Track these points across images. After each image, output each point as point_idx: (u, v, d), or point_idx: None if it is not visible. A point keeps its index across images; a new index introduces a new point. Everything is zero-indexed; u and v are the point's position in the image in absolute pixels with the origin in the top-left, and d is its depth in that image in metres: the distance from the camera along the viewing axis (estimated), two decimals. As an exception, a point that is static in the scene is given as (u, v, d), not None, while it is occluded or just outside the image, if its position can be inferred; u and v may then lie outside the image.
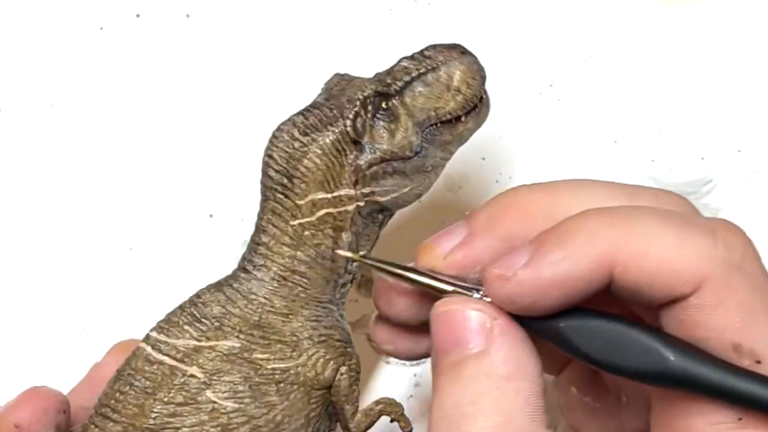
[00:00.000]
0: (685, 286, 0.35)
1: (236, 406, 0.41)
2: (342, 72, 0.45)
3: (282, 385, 0.42)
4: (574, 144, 0.56)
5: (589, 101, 0.57)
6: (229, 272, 0.55)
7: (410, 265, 0.40)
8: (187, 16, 0.58)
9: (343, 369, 0.43)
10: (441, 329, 0.38)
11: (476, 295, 0.38)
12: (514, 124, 0.57)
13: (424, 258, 0.40)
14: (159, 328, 0.42)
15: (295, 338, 0.42)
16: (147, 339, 0.42)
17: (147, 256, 0.55)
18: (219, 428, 0.41)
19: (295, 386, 0.42)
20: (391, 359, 0.55)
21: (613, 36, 0.58)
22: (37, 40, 0.58)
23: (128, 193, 0.56)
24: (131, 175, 0.56)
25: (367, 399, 0.54)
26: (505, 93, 0.57)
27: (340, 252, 0.43)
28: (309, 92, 0.57)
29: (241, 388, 0.41)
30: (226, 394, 0.41)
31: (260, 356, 0.42)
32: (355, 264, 0.44)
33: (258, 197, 0.56)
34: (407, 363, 0.54)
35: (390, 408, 0.43)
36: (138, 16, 0.58)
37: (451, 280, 0.39)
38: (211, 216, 0.56)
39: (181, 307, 0.43)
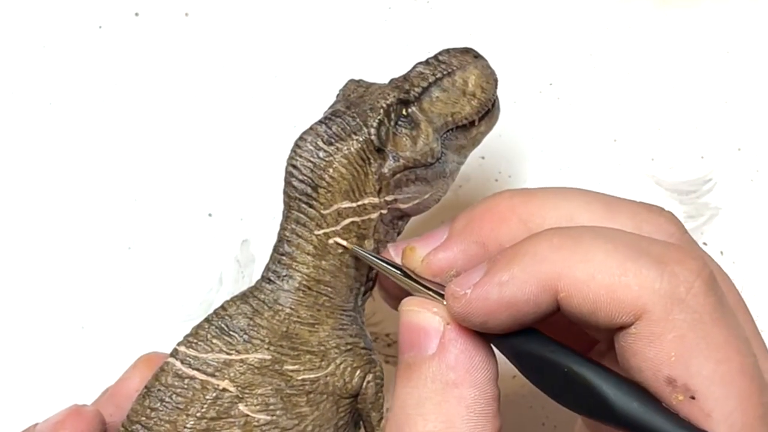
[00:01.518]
0: (625, 316, 0.35)
1: (269, 418, 0.41)
2: (353, 78, 0.46)
3: (312, 395, 0.42)
4: (574, 143, 0.56)
5: (588, 100, 0.57)
6: (227, 271, 0.55)
7: (394, 262, 0.42)
8: (186, 14, 0.58)
9: (369, 377, 0.43)
10: (402, 329, 0.39)
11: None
12: (514, 122, 0.57)
13: (406, 259, 0.41)
14: (187, 342, 0.42)
15: (322, 348, 0.43)
16: (175, 354, 0.42)
17: (146, 255, 0.55)
18: None
19: (324, 396, 0.42)
20: (391, 359, 0.54)
21: (612, 35, 0.58)
22: (36, 38, 0.58)
23: (127, 192, 0.56)
24: (130, 175, 0.56)
25: (367, 398, 0.54)
26: (505, 91, 0.57)
27: (338, 240, 0.43)
28: (308, 92, 0.57)
29: (272, 400, 0.41)
30: (258, 407, 0.41)
31: (290, 368, 0.42)
32: (374, 271, 0.44)
33: (257, 197, 0.56)
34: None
35: None
36: (137, 14, 0.58)
37: (428, 283, 0.40)
38: (210, 215, 0.56)
39: (208, 320, 0.42)
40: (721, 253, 0.55)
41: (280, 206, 0.57)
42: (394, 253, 0.43)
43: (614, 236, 0.36)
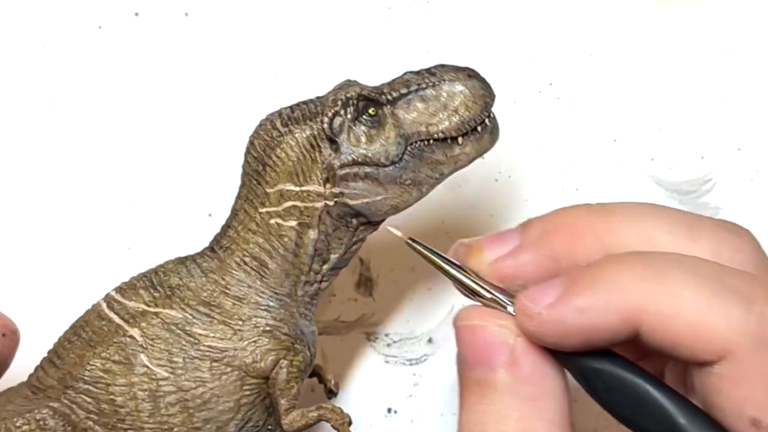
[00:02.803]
0: (709, 354, 0.35)
1: (167, 374, 0.43)
2: (353, 78, 0.45)
3: (216, 364, 0.43)
4: (574, 142, 0.56)
5: (588, 100, 0.57)
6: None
7: (452, 259, 0.40)
8: (186, 14, 0.58)
9: (284, 363, 0.43)
10: (465, 344, 0.38)
11: (511, 308, 0.38)
12: (514, 122, 0.57)
13: (471, 259, 0.40)
14: (119, 288, 0.44)
15: (240, 322, 0.43)
16: (105, 296, 0.44)
17: (146, 255, 0.55)
18: (147, 393, 0.42)
19: (230, 369, 0.43)
20: (390, 359, 0.55)
21: (612, 35, 0.58)
22: (36, 38, 0.58)
23: (127, 192, 0.56)
24: (130, 175, 0.56)
25: (366, 397, 0.54)
26: (505, 91, 0.57)
27: (390, 228, 0.43)
28: (308, 91, 0.57)
29: (175, 358, 0.43)
30: (159, 361, 0.43)
31: (200, 331, 0.43)
32: (325, 267, 0.44)
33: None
34: (407, 363, 0.54)
35: (331, 415, 0.43)
36: (137, 14, 0.58)
37: (490, 287, 0.39)
38: (210, 215, 0.56)
39: (146, 273, 0.45)
40: (721, 253, 0.55)
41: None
42: (453, 250, 0.41)
43: (699, 269, 0.35)
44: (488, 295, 0.38)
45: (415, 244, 0.41)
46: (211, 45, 0.58)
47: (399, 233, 0.42)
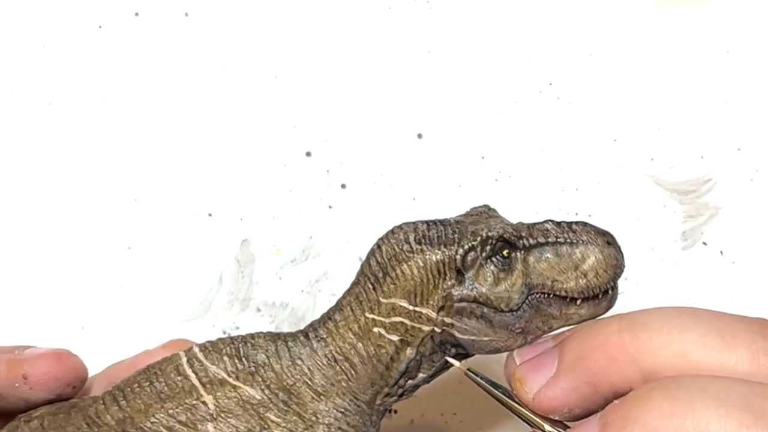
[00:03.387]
0: None
1: None
2: (490, 205, 0.45)
3: None
4: (574, 142, 0.56)
5: (588, 100, 0.57)
6: (226, 271, 0.55)
7: (508, 389, 0.41)
8: (186, 14, 0.58)
9: None
10: None
11: None
12: (514, 122, 0.57)
13: (517, 391, 0.41)
14: (203, 346, 0.43)
15: (314, 418, 0.42)
16: (188, 350, 0.43)
17: (146, 255, 0.55)
18: None
19: None
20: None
21: (612, 35, 0.58)
22: (36, 38, 0.58)
23: (127, 192, 0.56)
24: (130, 174, 0.56)
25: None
26: (505, 91, 0.57)
27: (450, 360, 0.43)
28: (309, 92, 0.57)
29: None
30: None
31: (273, 418, 0.42)
32: (409, 383, 0.44)
33: (257, 197, 0.56)
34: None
35: None
36: (137, 14, 0.58)
37: (543, 420, 0.40)
38: (210, 215, 0.56)
39: (233, 339, 0.43)
40: (721, 253, 0.55)
41: (280, 206, 0.57)
42: (509, 363, 0.42)
43: (727, 397, 0.35)
44: (547, 427, 0.40)
45: (471, 375, 0.42)
46: (211, 45, 0.58)
47: (458, 364, 0.42)
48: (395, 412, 0.54)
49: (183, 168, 0.56)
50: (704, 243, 0.55)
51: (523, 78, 0.57)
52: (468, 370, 0.42)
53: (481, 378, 0.42)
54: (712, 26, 0.57)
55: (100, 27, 0.58)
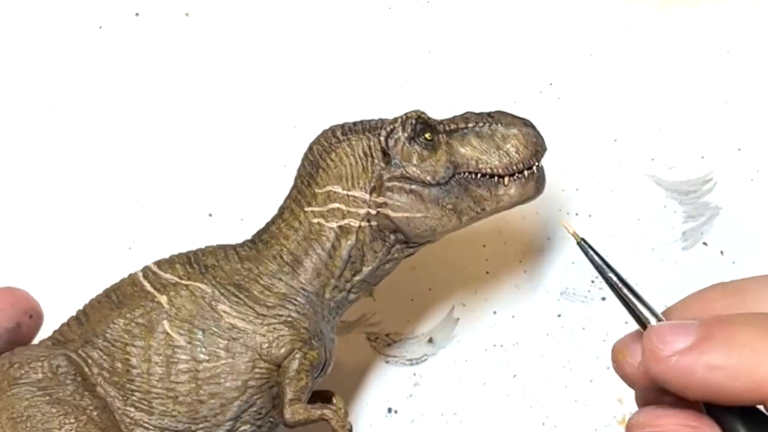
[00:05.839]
0: None
1: (184, 343, 0.44)
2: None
3: (233, 342, 0.44)
4: (574, 143, 0.56)
5: (588, 100, 0.57)
6: (228, 271, 0.55)
7: (618, 272, 0.40)
8: (187, 15, 0.58)
9: (298, 354, 0.44)
10: None
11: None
12: (514, 122, 0.57)
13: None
14: (158, 261, 0.47)
15: (264, 309, 0.45)
16: (143, 267, 0.47)
17: (146, 255, 0.55)
18: (162, 357, 0.44)
19: (245, 348, 0.44)
20: (391, 359, 0.55)
21: (612, 35, 0.57)
22: (37, 39, 0.58)
23: (127, 192, 0.56)
24: (130, 175, 0.56)
25: (367, 397, 0.54)
26: (505, 91, 0.57)
27: (564, 223, 0.43)
28: (309, 92, 0.57)
29: (196, 329, 0.44)
30: (180, 330, 0.44)
31: (224, 308, 0.45)
32: (356, 277, 0.46)
33: (257, 196, 0.56)
34: (407, 363, 0.54)
35: (333, 416, 0.44)
36: (137, 15, 0.58)
37: (643, 307, 0.39)
38: (210, 215, 0.56)
39: (186, 252, 0.47)
40: (721, 253, 0.55)
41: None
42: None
43: None
44: (653, 321, 0.38)
45: (584, 245, 0.41)
46: (212, 45, 0.58)
47: (571, 230, 0.42)
48: (395, 412, 0.54)
49: (183, 168, 0.56)
50: (704, 243, 0.55)
51: (523, 78, 0.57)
52: (582, 239, 0.41)
53: (593, 252, 0.40)
54: (712, 26, 0.57)
55: (100, 27, 0.58)
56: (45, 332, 0.47)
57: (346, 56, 0.57)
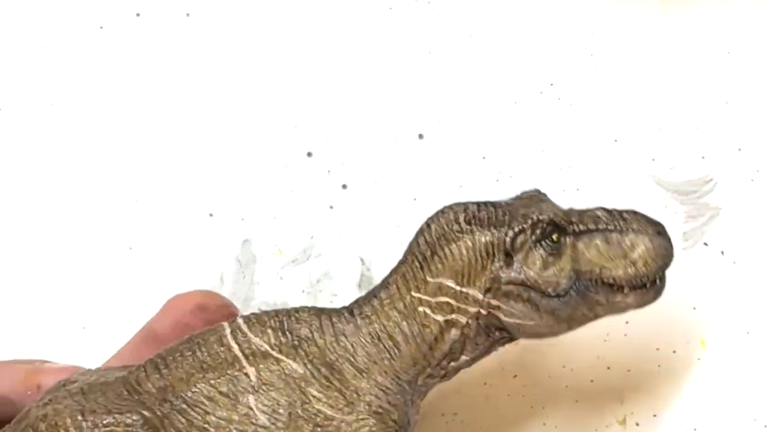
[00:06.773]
0: None
1: (267, 424, 0.41)
2: (540, 189, 0.45)
3: (318, 429, 0.42)
4: (575, 143, 0.56)
5: (589, 100, 0.57)
6: (227, 271, 0.55)
7: None
8: (188, 15, 0.58)
9: None
10: None
11: None
12: (515, 122, 0.57)
13: None
14: (248, 318, 0.43)
15: (355, 396, 0.42)
16: (232, 321, 0.43)
17: (147, 255, 0.55)
18: None
19: None
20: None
21: (613, 35, 0.58)
22: (37, 39, 0.58)
23: (128, 192, 0.56)
24: (131, 175, 0.56)
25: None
26: (506, 92, 0.57)
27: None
28: (309, 92, 0.57)
29: (281, 411, 0.41)
30: (264, 408, 0.41)
31: (314, 393, 0.42)
32: (452, 365, 0.44)
33: (257, 196, 0.56)
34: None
35: None
36: (138, 15, 0.58)
37: None
38: (211, 215, 0.56)
39: (278, 312, 0.43)
40: (722, 253, 0.55)
41: (281, 206, 0.57)
42: None
43: None
44: None
45: None
46: (213, 45, 0.58)
47: None
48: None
49: (184, 168, 0.56)
50: (705, 243, 0.55)
51: (524, 78, 0.57)
52: None
53: None
54: (713, 26, 0.57)
55: (101, 27, 0.58)
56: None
57: (347, 56, 0.57)
